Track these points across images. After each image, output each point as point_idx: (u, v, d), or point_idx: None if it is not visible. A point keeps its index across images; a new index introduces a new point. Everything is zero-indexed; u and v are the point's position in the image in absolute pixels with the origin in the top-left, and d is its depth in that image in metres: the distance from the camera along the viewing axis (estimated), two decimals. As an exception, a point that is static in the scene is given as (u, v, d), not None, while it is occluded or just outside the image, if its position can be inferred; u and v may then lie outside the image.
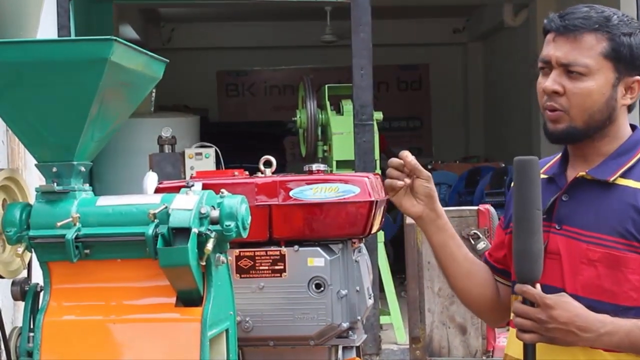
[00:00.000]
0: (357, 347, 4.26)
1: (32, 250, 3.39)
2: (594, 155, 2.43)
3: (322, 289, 4.07)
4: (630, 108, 2.47)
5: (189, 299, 3.30)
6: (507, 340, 2.64)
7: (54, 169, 3.36)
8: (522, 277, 2.32)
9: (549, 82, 2.37)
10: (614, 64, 2.36)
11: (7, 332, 3.46)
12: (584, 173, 2.42)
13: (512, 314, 2.50)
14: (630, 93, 2.40)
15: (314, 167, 4.28)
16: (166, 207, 3.23)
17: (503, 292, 2.71)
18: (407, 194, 2.67)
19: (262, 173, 4.25)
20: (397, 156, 2.67)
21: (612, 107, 2.39)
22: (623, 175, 2.38)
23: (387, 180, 2.65)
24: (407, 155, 2.62)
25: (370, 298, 4.31)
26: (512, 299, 2.56)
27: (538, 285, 2.30)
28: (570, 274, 2.38)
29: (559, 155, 2.59)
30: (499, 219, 2.84)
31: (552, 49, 2.38)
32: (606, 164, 2.40)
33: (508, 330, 2.67)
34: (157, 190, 4.12)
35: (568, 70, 2.37)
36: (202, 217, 3.22)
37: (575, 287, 2.37)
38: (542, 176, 2.42)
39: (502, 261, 2.70)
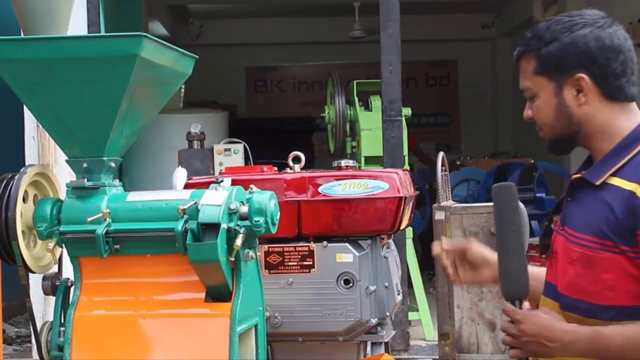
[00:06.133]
0: (386, 343, 4.26)
1: (63, 245, 3.42)
2: (597, 155, 2.40)
3: (350, 284, 4.07)
4: (615, 94, 2.37)
5: (218, 294, 3.31)
6: None
7: (85, 165, 3.38)
8: (505, 295, 2.38)
9: (525, 110, 2.47)
10: (546, 76, 2.39)
11: (38, 327, 3.48)
12: (579, 175, 2.41)
13: None
14: (582, 90, 2.37)
15: (343, 163, 4.28)
16: (195, 203, 3.24)
17: None
18: (471, 268, 2.66)
19: (290, 169, 4.26)
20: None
21: (568, 113, 2.38)
22: (615, 174, 2.34)
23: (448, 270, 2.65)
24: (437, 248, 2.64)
25: (398, 294, 4.31)
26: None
27: (526, 304, 2.35)
28: (561, 273, 2.41)
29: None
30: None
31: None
32: (600, 165, 2.37)
33: None
34: (187, 186, 4.13)
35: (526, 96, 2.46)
36: (231, 213, 3.23)
37: (562, 286, 2.40)
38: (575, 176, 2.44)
39: None
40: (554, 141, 2.44)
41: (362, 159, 8.24)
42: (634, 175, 2.28)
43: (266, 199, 3.32)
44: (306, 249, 4.10)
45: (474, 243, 2.63)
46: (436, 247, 2.63)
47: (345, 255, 4.08)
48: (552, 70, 2.37)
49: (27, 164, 6.38)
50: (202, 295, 3.32)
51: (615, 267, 2.28)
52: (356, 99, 8.65)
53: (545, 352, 2.31)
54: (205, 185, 3.47)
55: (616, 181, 2.31)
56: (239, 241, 3.20)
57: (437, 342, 6.16)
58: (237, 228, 3.22)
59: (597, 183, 2.34)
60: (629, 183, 2.28)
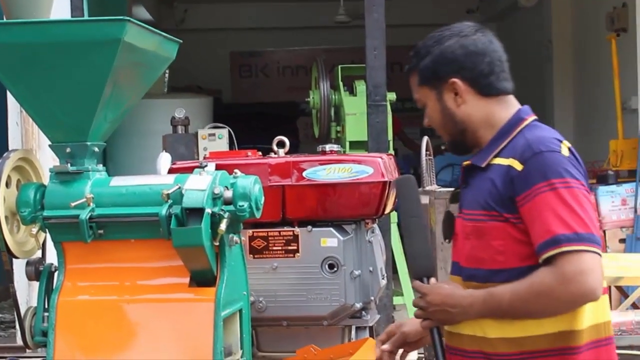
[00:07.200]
0: (370, 327, 4.27)
1: (46, 230, 3.41)
2: (484, 144, 2.71)
3: (335, 269, 4.07)
4: (487, 91, 2.68)
5: (203, 279, 3.31)
6: None
7: (68, 150, 3.37)
8: (413, 274, 2.71)
9: (424, 119, 2.82)
10: (427, 85, 2.73)
11: (22, 312, 3.47)
12: (468, 162, 2.72)
13: None
14: (457, 92, 2.69)
15: (327, 147, 4.28)
16: (180, 188, 3.24)
17: None
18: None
19: (275, 153, 4.25)
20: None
21: (451, 114, 2.71)
22: (497, 155, 2.64)
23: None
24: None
25: (383, 278, 4.32)
26: None
27: (432, 280, 2.67)
28: (461, 249, 2.71)
29: None
30: None
31: None
32: (485, 150, 2.68)
33: None
34: (171, 171, 4.12)
35: None
36: (215, 198, 3.23)
37: (463, 260, 2.69)
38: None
39: None
40: (450, 142, 2.78)
41: (347, 144, 8.23)
42: (511, 152, 2.60)
43: (250, 184, 3.32)
44: (290, 233, 4.10)
45: (407, 326, 2.90)
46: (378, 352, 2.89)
47: (330, 240, 4.08)
48: (431, 80, 2.72)
49: (10, 149, 6.35)
50: (187, 280, 3.32)
51: (503, 234, 2.58)
52: (341, 83, 8.64)
53: (450, 318, 2.62)
54: (190, 170, 3.46)
55: (498, 160, 2.63)
56: (223, 226, 3.20)
57: (421, 327, 6.17)
58: (221, 213, 3.22)
59: (483, 165, 2.65)
60: (507, 159, 2.60)
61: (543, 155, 2.56)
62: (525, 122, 2.69)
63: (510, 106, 2.72)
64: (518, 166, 2.57)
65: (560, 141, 2.61)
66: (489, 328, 2.61)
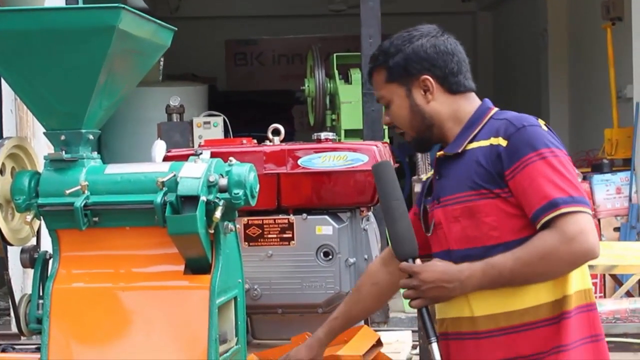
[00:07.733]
0: (365, 315, 4.27)
1: (41, 218, 3.40)
2: (451, 138, 2.84)
3: (330, 257, 4.08)
4: (455, 88, 2.82)
5: (198, 266, 3.31)
6: None
7: (63, 137, 3.37)
8: (399, 256, 2.75)
9: (383, 118, 2.92)
10: (396, 82, 2.83)
11: (17, 300, 3.47)
12: (441, 152, 2.83)
13: None
14: (428, 89, 2.81)
15: (323, 135, 4.28)
16: (174, 175, 3.23)
17: None
18: None
19: (270, 141, 4.25)
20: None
21: (420, 111, 2.82)
22: (471, 141, 2.77)
23: None
24: None
25: (378, 266, 4.31)
26: None
27: (418, 260, 2.72)
28: (448, 234, 2.77)
29: None
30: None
31: None
32: (458, 139, 2.80)
33: None
34: (166, 159, 4.12)
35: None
36: (210, 185, 3.23)
37: (452, 244, 2.76)
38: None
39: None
40: (416, 139, 2.86)
41: (342, 132, 8.25)
42: (488, 134, 2.74)
43: (245, 172, 3.31)
44: (286, 221, 4.10)
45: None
46: None
47: (325, 228, 4.09)
48: (401, 77, 2.82)
49: (4, 136, 6.35)
50: (182, 267, 3.32)
51: (494, 210, 2.69)
52: (336, 72, 8.65)
53: (446, 294, 2.67)
54: (184, 157, 3.46)
55: (474, 144, 2.75)
56: (218, 213, 3.19)
57: (416, 315, 6.18)
58: (216, 200, 3.22)
59: (459, 150, 2.77)
60: (485, 141, 2.73)
61: (526, 129, 2.70)
62: (493, 111, 2.84)
63: (473, 101, 2.87)
64: (503, 142, 2.69)
65: (537, 119, 2.77)
66: (484, 306, 2.68)
